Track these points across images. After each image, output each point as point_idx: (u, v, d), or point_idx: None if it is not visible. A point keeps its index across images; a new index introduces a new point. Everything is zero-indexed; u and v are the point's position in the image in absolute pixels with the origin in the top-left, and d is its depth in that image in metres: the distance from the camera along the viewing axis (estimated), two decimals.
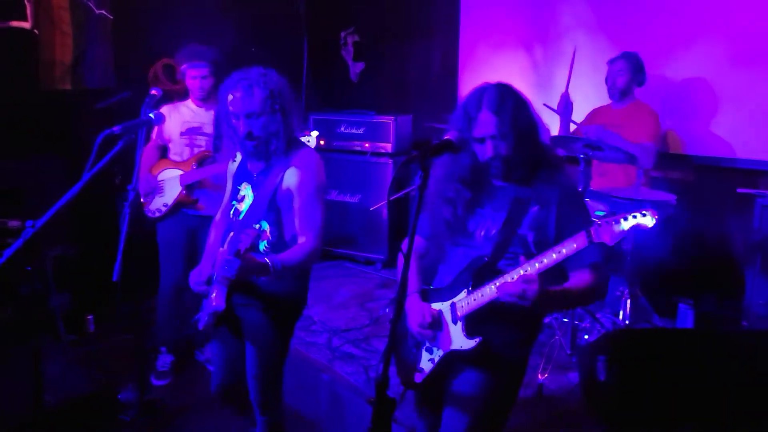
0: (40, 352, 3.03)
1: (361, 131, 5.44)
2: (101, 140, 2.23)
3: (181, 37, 3.91)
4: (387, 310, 4.26)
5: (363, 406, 3.26)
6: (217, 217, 2.82)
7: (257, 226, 2.51)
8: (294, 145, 2.56)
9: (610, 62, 4.30)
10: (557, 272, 2.10)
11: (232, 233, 2.49)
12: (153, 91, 2.88)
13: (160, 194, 3.79)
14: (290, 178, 2.50)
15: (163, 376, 3.86)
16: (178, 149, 3.81)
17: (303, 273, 2.65)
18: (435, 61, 5.92)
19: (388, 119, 5.33)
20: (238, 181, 2.67)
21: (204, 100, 3.78)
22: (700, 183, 4.48)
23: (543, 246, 2.06)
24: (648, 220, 1.86)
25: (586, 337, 3.74)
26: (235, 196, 2.65)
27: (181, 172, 3.75)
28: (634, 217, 1.87)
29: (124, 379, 3.61)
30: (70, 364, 3.99)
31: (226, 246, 2.47)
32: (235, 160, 2.72)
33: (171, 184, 3.76)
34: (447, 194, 2.25)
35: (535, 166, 2.14)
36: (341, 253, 5.49)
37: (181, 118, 3.79)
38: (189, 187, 3.73)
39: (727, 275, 4.29)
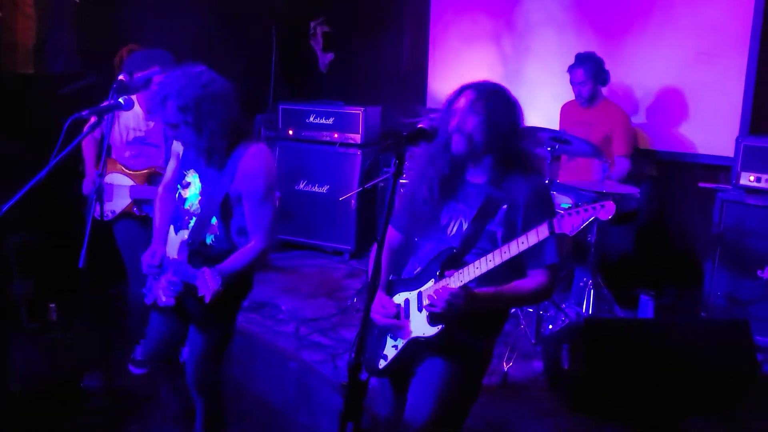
0: (3, 340, 2.99)
1: (330, 122, 5.44)
2: (70, 124, 2.20)
3: (148, 23, 3.85)
4: (355, 299, 4.28)
5: (330, 394, 3.29)
6: (160, 190, 2.77)
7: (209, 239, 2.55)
8: (241, 142, 2.52)
9: (570, 70, 4.37)
10: (516, 268, 2.16)
11: (186, 234, 2.54)
12: (121, 77, 2.85)
13: (108, 199, 3.63)
14: (240, 178, 2.49)
15: (141, 365, 3.81)
16: (123, 156, 3.66)
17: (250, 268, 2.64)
18: (404, 53, 5.95)
19: (357, 110, 5.33)
20: (185, 165, 2.65)
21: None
22: (663, 178, 4.60)
23: (506, 241, 2.11)
24: (605, 212, 1.93)
25: (550, 326, 3.81)
26: (181, 180, 2.64)
27: (131, 183, 3.64)
28: (594, 209, 1.95)
29: (89, 368, 3.58)
30: (33, 352, 3.93)
31: (177, 246, 2.53)
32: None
33: (120, 192, 3.63)
34: (423, 186, 2.29)
35: (510, 168, 2.20)
36: (309, 244, 5.50)
37: (127, 125, 3.63)
38: (138, 201, 3.64)
39: (688, 267, 4.42)
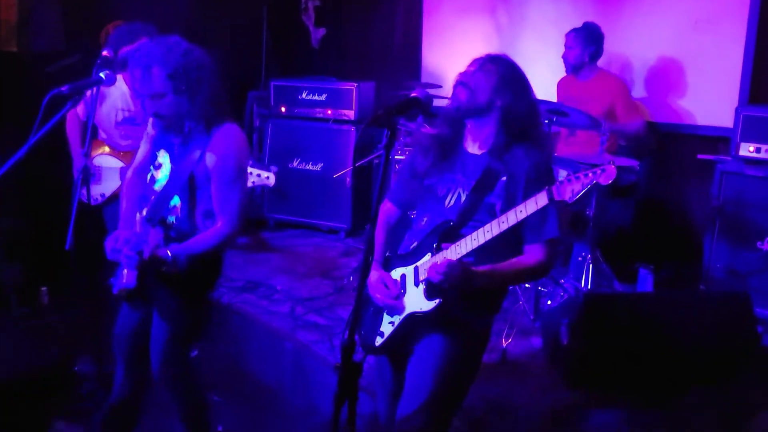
0: None
1: (323, 98, 5.36)
2: (48, 100, 2.13)
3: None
4: (351, 278, 4.25)
5: (327, 374, 3.26)
6: (129, 174, 2.69)
7: (172, 219, 2.47)
8: (214, 120, 2.43)
9: (566, 35, 4.32)
10: (514, 245, 2.11)
11: (145, 210, 2.47)
12: (105, 53, 2.77)
13: (97, 182, 3.59)
14: (209, 159, 2.41)
15: None
16: (113, 137, 3.60)
17: (214, 252, 2.55)
18: (398, 27, 5.85)
19: (351, 86, 5.25)
20: (156, 146, 2.57)
21: None
22: (662, 150, 4.54)
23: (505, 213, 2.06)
24: (606, 177, 1.88)
25: (549, 302, 3.79)
26: (153, 161, 2.56)
27: (121, 164, 3.57)
28: (594, 173, 1.89)
29: (81, 352, 3.54)
30: (23, 337, 3.89)
31: (139, 224, 2.46)
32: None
33: (109, 174, 3.58)
34: (420, 156, 2.24)
35: (512, 139, 2.15)
36: (303, 222, 5.45)
37: (115, 105, 3.56)
38: None
39: (687, 240, 4.38)
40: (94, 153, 3.60)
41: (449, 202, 2.22)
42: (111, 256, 2.43)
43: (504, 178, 2.13)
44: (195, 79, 2.33)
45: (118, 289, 2.47)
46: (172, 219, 2.48)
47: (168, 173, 2.49)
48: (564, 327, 3.03)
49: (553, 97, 4.51)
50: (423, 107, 2.03)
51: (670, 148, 4.56)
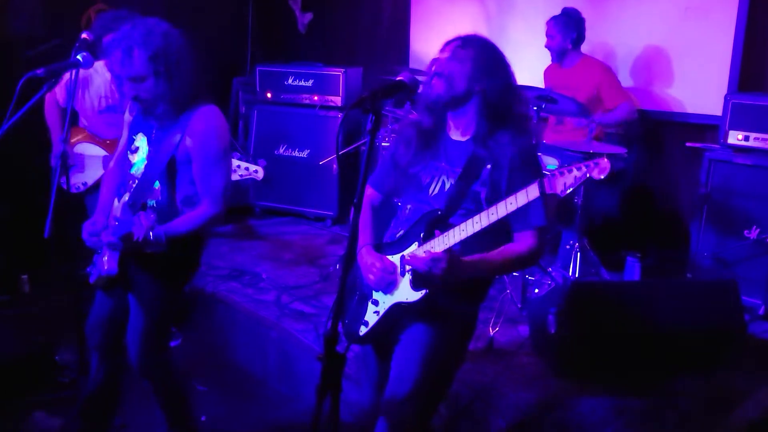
0: None
1: (309, 84, 5.31)
2: (24, 84, 2.08)
3: None
4: (337, 266, 4.22)
5: (313, 364, 3.23)
6: (112, 164, 2.67)
7: (152, 203, 2.44)
8: (194, 102, 2.41)
9: (546, 22, 4.29)
10: (502, 233, 2.09)
11: (127, 196, 2.44)
12: (84, 35, 2.71)
13: (80, 170, 3.54)
14: (189, 140, 2.38)
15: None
16: (96, 126, 3.54)
17: (194, 238, 2.52)
18: (385, 13, 5.79)
19: (338, 71, 5.21)
20: (134, 130, 2.54)
21: None
22: (650, 137, 4.53)
23: (490, 202, 2.04)
24: (600, 171, 1.84)
25: (536, 290, 3.78)
26: (130, 146, 2.52)
27: (104, 153, 3.51)
28: (587, 167, 1.86)
29: (62, 341, 3.49)
30: (3, 325, 3.84)
31: (119, 209, 2.43)
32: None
33: (92, 162, 3.52)
34: (403, 144, 2.21)
35: (495, 125, 2.11)
36: (290, 210, 5.41)
37: (98, 93, 3.50)
38: None
39: (674, 228, 4.39)
40: (75, 140, 3.54)
41: (433, 191, 2.19)
42: (89, 242, 2.39)
43: (489, 166, 2.10)
44: (175, 62, 2.30)
45: (96, 277, 2.45)
46: (152, 202, 2.44)
47: (145, 157, 2.46)
48: (551, 315, 3.02)
49: (541, 85, 4.49)
50: (409, 91, 2.00)
51: (658, 136, 4.56)
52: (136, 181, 2.47)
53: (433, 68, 2.12)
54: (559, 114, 4.27)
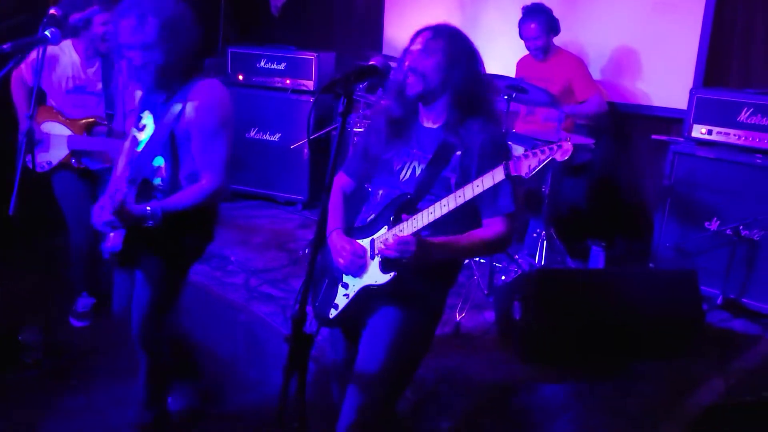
0: None
1: (281, 67, 5.27)
2: None
3: None
4: (306, 250, 4.22)
5: (281, 346, 3.22)
6: (126, 144, 2.66)
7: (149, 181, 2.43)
8: (195, 75, 2.41)
9: (521, 25, 4.28)
10: (472, 218, 2.12)
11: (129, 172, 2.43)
12: (52, 11, 2.66)
13: (45, 150, 3.47)
14: (189, 112, 2.37)
15: (83, 318, 3.69)
16: (63, 105, 3.48)
17: (202, 216, 2.54)
18: None
19: (311, 55, 5.17)
20: (141, 108, 2.53)
21: (99, 54, 3.45)
22: (618, 130, 4.59)
23: (459, 186, 2.05)
24: (562, 153, 1.88)
25: (503, 277, 3.82)
26: (137, 124, 2.51)
27: (69, 132, 3.46)
28: (551, 149, 1.89)
29: (27, 320, 3.44)
30: None
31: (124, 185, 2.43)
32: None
33: (57, 141, 3.45)
34: (375, 130, 2.22)
35: (466, 113, 2.14)
36: (260, 194, 5.38)
37: (65, 74, 3.44)
38: (76, 153, 3.47)
39: (638, 219, 4.47)
40: (42, 119, 3.48)
41: (404, 176, 2.21)
42: (100, 228, 2.39)
43: (459, 153, 2.13)
44: (184, 30, 2.31)
45: (107, 253, 2.47)
46: (157, 180, 2.43)
47: (151, 134, 2.44)
48: (517, 302, 3.06)
49: (512, 75, 4.51)
50: (381, 76, 2.01)
51: (625, 129, 4.62)
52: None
53: (407, 63, 2.12)
54: (530, 104, 4.30)
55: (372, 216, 2.24)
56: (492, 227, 2.13)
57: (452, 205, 2.00)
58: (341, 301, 2.22)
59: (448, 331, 3.29)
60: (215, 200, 2.48)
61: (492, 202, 2.08)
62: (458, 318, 3.34)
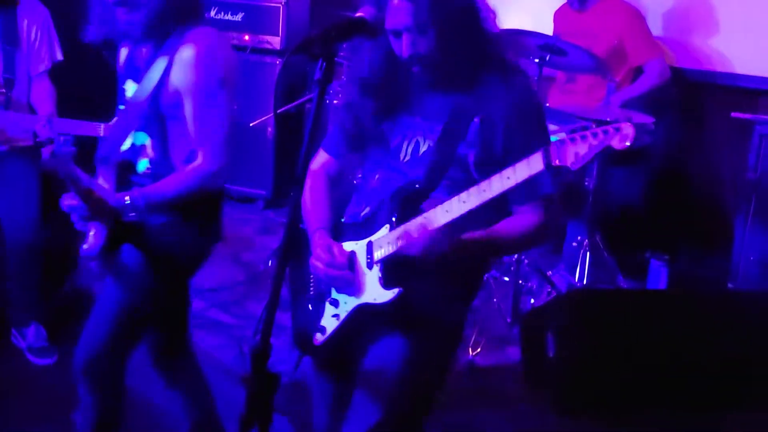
0: None
1: (238, 18, 5.29)
2: None
3: None
4: (270, 263, 4.21)
5: (236, 390, 3.24)
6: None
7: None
8: (187, 23, 2.40)
9: None
10: (498, 205, 2.10)
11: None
12: None
13: None
14: (176, 72, 2.36)
15: (45, 354, 3.69)
16: None
17: (204, 206, 2.54)
18: None
19: (277, 3, 5.20)
20: (123, 78, 2.54)
21: None
22: (686, 104, 4.61)
23: (486, 168, 2.03)
24: (621, 138, 1.87)
25: (532, 301, 3.83)
26: (122, 98, 2.53)
27: None
28: (606, 133, 1.87)
29: None
30: None
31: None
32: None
33: None
34: (363, 97, 2.20)
35: (476, 68, 2.12)
36: None
37: None
38: None
39: (713, 224, 4.47)
40: None
41: (405, 155, 2.20)
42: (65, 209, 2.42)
43: (477, 120, 2.11)
44: None
45: (84, 259, 2.50)
46: (143, 164, 2.45)
47: (129, 98, 2.47)
48: (551, 334, 3.06)
49: (549, 31, 4.52)
50: (372, 32, 2.00)
51: (696, 104, 4.64)
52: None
53: (401, 22, 2.09)
54: (570, 70, 4.31)
55: (367, 210, 2.22)
56: (528, 215, 2.12)
57: (474, 202, 1.97)
58: (330, 323, 2.20)
59: (459, 373, 3.29)
60: (215, 185, 2.48)
61: (524, 185, 2.05)
62: (472, 355, 3.35)
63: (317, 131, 1.82)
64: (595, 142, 1.86)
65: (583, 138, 1.87)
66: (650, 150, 4.25)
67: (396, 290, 2.07)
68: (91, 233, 2.41)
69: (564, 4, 4.48)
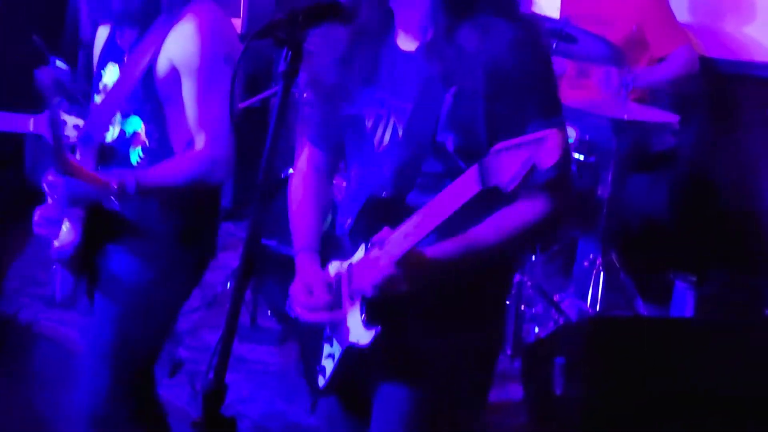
0: None
1: None
2: None
3: None
4: (229, 285, 4.21)
5: None
6: None
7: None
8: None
9: None
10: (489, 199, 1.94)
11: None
12: None
13: None
14: (174, 46, 2.40)
15: None
16: None
17: (205, 207, 2.60)
18: None
19: None
20: (103, 62, 2.58)
21: None
22: (717, 100, 4.63)
23: (470, 156, 1.85)
24: (545, 152, 1.62)
25: (536, 330, 3.83)
26: (97, 84, 2.57)
27: None
28: (528, 146, 1.62)
29: None
30: None
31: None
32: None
33: None
34: (335, 73, 2.11)
35: (463, 15, 1.89)
36: None
37: None
38: None
39: (747, 240, 4.49)
40: None
41: (380, 143, 2.06)
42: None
43: (453, 91, 1.91)
44: None
45: (56, 260, 2.51)
46: (136, 154, 2.46)
47: (116, 79, 2.50)
48: (559, 368, 3.07)
49: (555, 14, 4.54)
50: (345, 16, 1.95)
51: (729, 99, 4.66)
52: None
53: None
54: (581, 60, 4.32)
55: (349, 221, 2.09)
56: (530, 204, 1.91)
57: (429, 226, 1.78)
58: (327, 364, 2.15)
59: None
60: (217, 177, 2.51)
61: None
62: None
63: (281, 131, 1.83)
64: (521, 156, 1.62)
65: (510, 149, 1.64)
66: (675, 153, 4.28)
67: (373, 331, 1.94)
68: (65, 227, 2.41)
69: None
